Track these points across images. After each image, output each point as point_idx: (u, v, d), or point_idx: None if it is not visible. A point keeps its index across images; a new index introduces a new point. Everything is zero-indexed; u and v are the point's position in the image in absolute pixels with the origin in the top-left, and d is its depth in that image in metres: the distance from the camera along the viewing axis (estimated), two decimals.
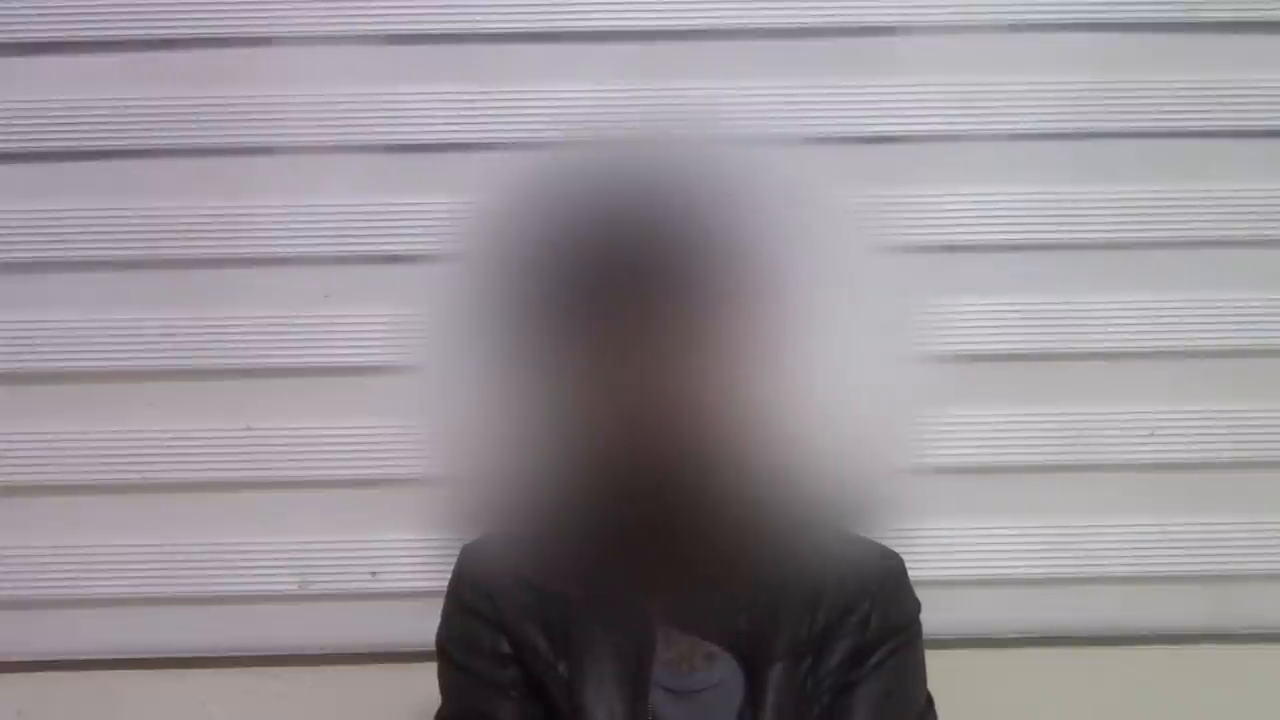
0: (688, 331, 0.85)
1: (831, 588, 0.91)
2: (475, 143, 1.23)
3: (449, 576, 0.95)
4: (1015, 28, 1.24)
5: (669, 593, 0.91)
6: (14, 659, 1.27)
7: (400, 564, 1.24)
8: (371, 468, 1.24)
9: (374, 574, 1.25)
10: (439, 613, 0.95)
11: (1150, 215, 1.25)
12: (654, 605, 0.90)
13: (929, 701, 0.94)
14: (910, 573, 0.96)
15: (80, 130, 1.23)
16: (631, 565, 0.90)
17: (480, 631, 0.92)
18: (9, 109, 1.23)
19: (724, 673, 0.90)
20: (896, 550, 0.96)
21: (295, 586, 1.25)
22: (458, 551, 0.96)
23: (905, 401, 1.22)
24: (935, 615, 0.97)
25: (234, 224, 1.23)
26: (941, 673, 0.96)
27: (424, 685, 0.98)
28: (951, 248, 1.24)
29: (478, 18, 1.22)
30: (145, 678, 1.27)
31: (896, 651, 0.92)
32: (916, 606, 0.95)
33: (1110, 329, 1.25)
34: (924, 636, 0.95)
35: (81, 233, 1.24)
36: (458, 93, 1.23)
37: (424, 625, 0.96)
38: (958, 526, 1.25)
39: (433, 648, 0.95)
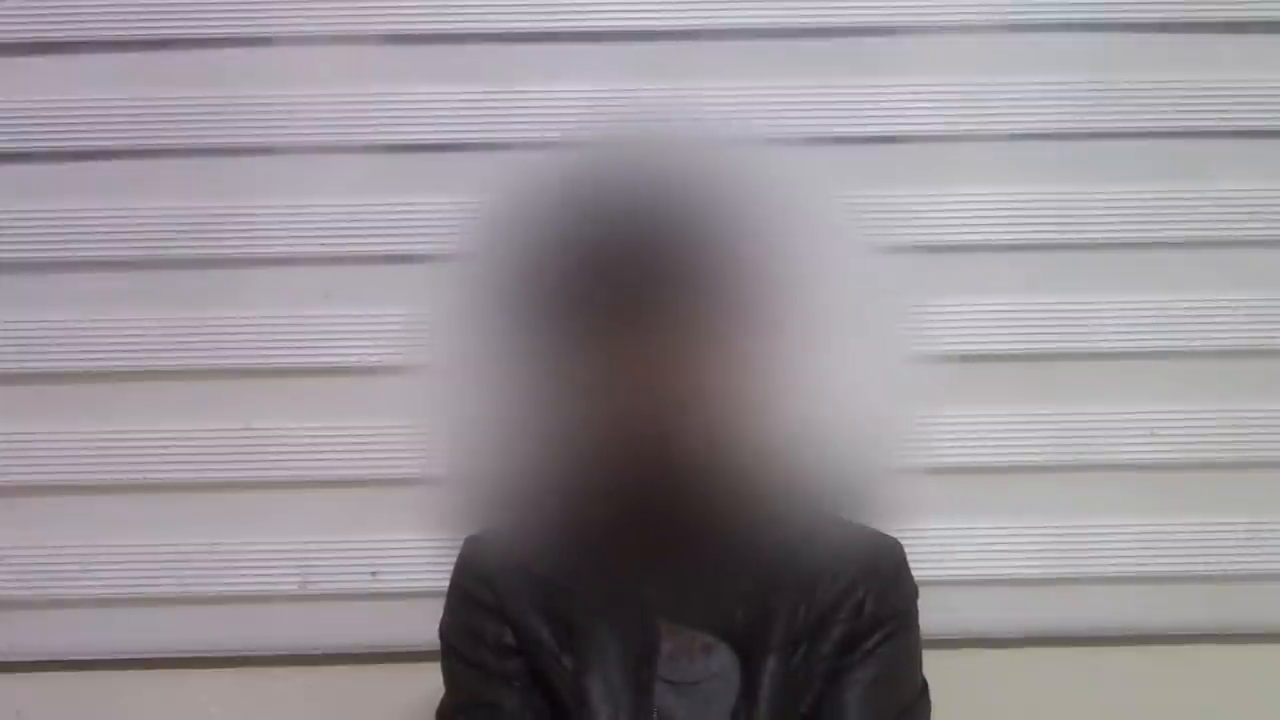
0: (688, 330, 0.85)
1: (827, 576, 0.92)
2: (476, 143, 1.23)
3: (451, 569, 0.96)
4: (1015, 28, 1.24)
5: (667, 585, 0.91)
6: (14, 659, 1.27)
7: (400, 564, 1.24)
8: (371, 468, 1.24)
9: (374, 574, 1.25)
10: (439, 612, 0.95)
11: (1150, 215, 1.25)
12: (653, 598, 0.91)
13: (923, 689, 0.94)
14: (911, 571, 0.96)
15: (80, 130, 1.23)
16: (632, 559, 0.90)
17: (484, 622, 0.92)
18: (9, 109, 1.23)
19: (721, 664, 0.90)
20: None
21: (295, 586, 1.25)
22: (460, 545, 0.96)
23: (905, 401, 1.21)
24: (935, 615, 0.97)
25: (234, 224, 1.24)
26: (941, 673, 0.96)
27: (424, 685, 0.98)
28: (951, 248, 1.24)
29: (478, 17, 1.23)
30: (145, 678, 1.27)
31: (889, 638, 0.92)
32: (913, 593, 0.95)
33: (1110, 329, 1.25)
34: (924, 637, 0.95)
35: (81, 233, 1.24)
36: (458, 93, 1.23)
37: (424, 625, 0.97)
38: (958, 526, 1.25)
39: (433, 647, 0.95)
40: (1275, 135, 1.25)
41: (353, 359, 1.24)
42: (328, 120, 1.23)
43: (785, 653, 0.89)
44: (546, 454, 0.89)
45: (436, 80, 1.23)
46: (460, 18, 1.22)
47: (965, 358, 1.25)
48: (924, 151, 1.24)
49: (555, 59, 1.23)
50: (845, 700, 0.90)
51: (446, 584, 0.96)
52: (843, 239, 1.11)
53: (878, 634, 0.91)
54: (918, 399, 1.22)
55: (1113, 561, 1.26)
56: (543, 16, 1.22)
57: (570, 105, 1.22)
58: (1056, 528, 1.26)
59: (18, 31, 1.22)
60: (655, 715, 0.88)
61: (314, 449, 1.25)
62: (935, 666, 0.95)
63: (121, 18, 1.22)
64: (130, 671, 1.26)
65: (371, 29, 1.23)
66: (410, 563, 1.23)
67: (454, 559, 0.96)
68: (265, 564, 1.25)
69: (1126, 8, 1.24)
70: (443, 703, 0.95)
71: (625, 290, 0.85)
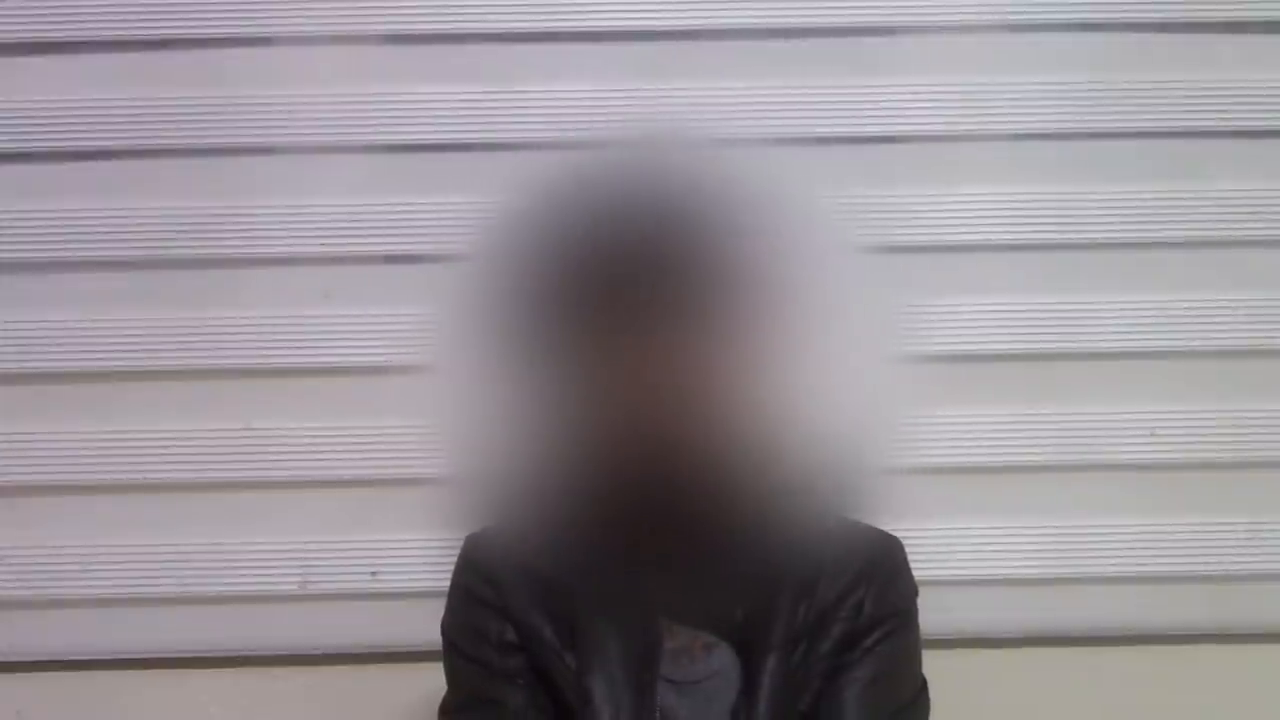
0: (688, 329, 0.85)
1: (828, 574, 0.92)
2: (475, 143, 1.23)
3: (452, 568, 0.96)
4: (1015, 28, 1.24)
5: (669, 584, 0.91)
6: (14, 659, 1.27)
7: (401, 564, 1.24)
8: (372, 468, 1.24)
9: (374, 574, 1.25)
10: (440, 613, 0.96)
11: (1150, 215, 1.25)
12: (655, 597, 0.91)
13: (922, 687, 0.94)
14: (911, 570, 0.96)
15: (80, 130, 1.23)
16: (633, 558, 0.91)
17: (486, 619, 0.92)
18: (9, 109, 1.23)
19: (722, 662, 0.90)
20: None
21: (295, 586, 1.25)
22: (461, 544, 0.96)
23: (905, 401, 1.22)
24: (935, 615, 0.97)
25: (234, 224, 1.23)
26: (941, 673, 0.96)
27: (425, 685, 0.98)
28: (951, 248, 1.24)
29: (478, 17, 1.22)
30: (145, 678, 1.27)
31: (889, 636, 0.92)
32: (913, 591, 0.95)
33: (1110, 329, 1.25)
34: (924, 637, 0.95)
35: (81, 233, 1.24)
36: (458, 93, 1.23)
37: (425, 625, 0.96)
38: (957, 526, 1.25)
39: (434, 648, 0.95)
40: (1275, 135, 1.25)
41: (353, 359, 1.24)
42: (328, 120, 1.23)
43: (785, 651, 0.89)
44: (546, 454, 0.89)
45: (436, 80, 1.23)
46: (460, 18, 1.22)
47: (965, 357, 1.25)
48: (924, 151, 1.24)
49: (555, 59, 1.23)
50: (844, 698, 0.90)
51: (447, 584, 0.96)
52: (843, 239, 1.11)
53: (877, 632, 0.91)
54: (917, 399, 1.23)
55: (1113, 561, 1.26)
56: (542, 16, 1.22)
57: (570, 105, 1.22)
58: (1056, 527, 1.26)
59: (18, 31, 1.22)
60: (658, 714, 0.88)
61: (314, 449, 1.25)
62: (935, 667, 0.95)
63: (121, 18, 1.22)
64: (130, 671, 1.26)
65: (371, 29, 1.23)
66: (410, 563, 1.23)
67: (455, 559, 0.96)
68: (265, 564, 1.25)
69: (1126, 8, 1.24)
70: (445, 700, 0.95)
71: (626, 289, 0.85)
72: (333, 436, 1.24)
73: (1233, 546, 1.26)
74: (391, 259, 1.24)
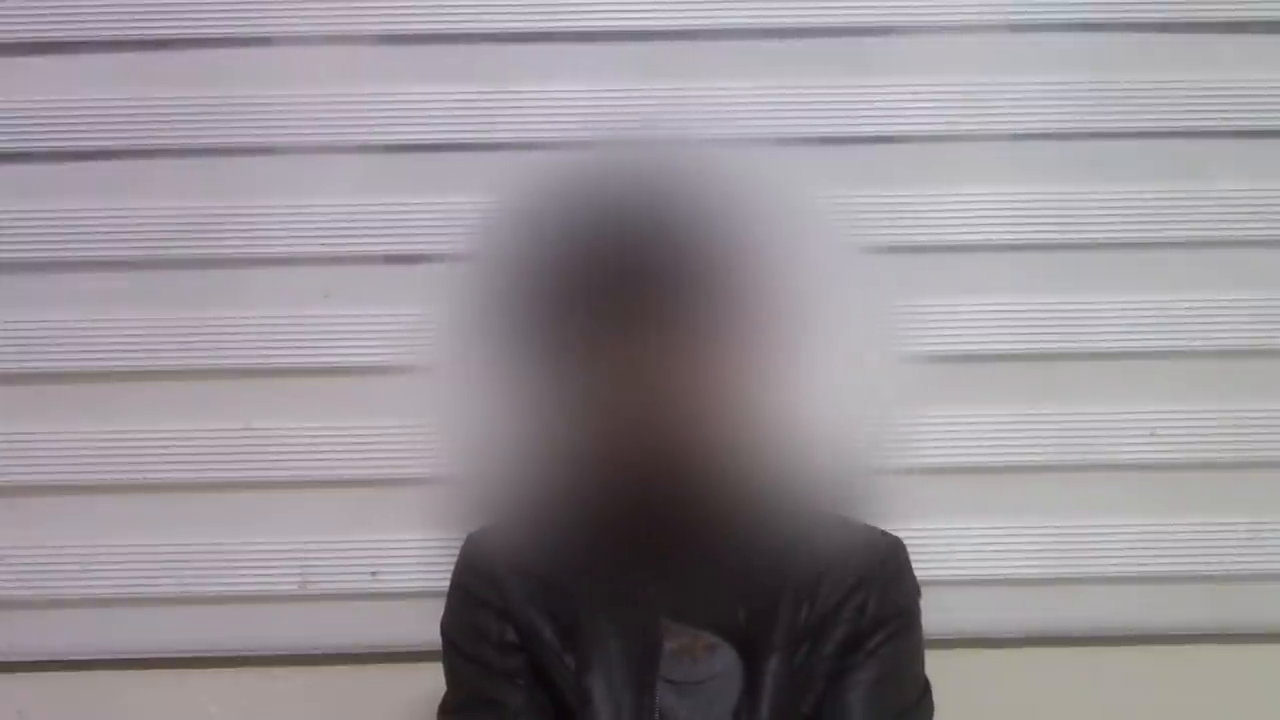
0: (688, 329, 0.85)
1: (830, 575, 0.92)
2: (475, 143, 1.23)
3: (452, 567, 0.96)
4: (1015, 28, 1.24)
5: (670, 585, 0.91)
6: (14, 659, 1.27)
7: (401, 564, 1.24)
8: (371, 468, 1.24)
9: (374, 574, 1.25)
10: (439, 612, 0.96)
11: (1151, 215, 1.25)
12: (656, 597, 0.91)
13: (925, 688, 0.94)
14: (913, 570, 0.96)
15: (80, 130, 1.23)
16: (634, 558, 0.91)
17: (486, 619, 0.92)
18: (9, 109, 1.23)
19: (725, 663, 0.90)
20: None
21: (295, 586, 1.25)
22: (461, 544, 0.96)
23: (905, 401, 1.21)
24: (935, 615, 0.97)
25: (234, 224, 1.23)
26: (941, 673, 0.96)
27: (424, 685, 0.98)
28: (952, 248, 1.24)
29: (472, 17, 1.22)
30: (145, 678, 1.27)
31: (892, 637, 0.92)
32: (915, 592, 0.95)
33: (1111, 329, 1.25)
34: (926, 637, 0.95)
35: (81, 233, 1.24)
36: (457, 93, 1.23)
37: (425, 625, 0.96)
38: (957, 526, 1.25)
39: (433, 647, 0.95)
40: (1276, 135, 1.25)
41: (352, 359, 1.24)
42: (328, 120, 1.23)
43: (788, 652, 0.89)
44: (546, 454, 0.89)
45: (432, 80, 1.23)
46: (455, 18, 1.22)
47: (966, 357, 1.25)
48: (925, 151, 1.24)
49: (550, 59, 1.23)
50: (848, 700, 0.90)
51: (446, 584, 0.96)
52: (843, 239, 1.11)
53: (880, 634, 0.91)
54: (918, 399, 1.22)
55: (1114, 561, 1.26)
56: (537, 16, 1.22)
57: (565, 106, 1.21)
58: (1057, 527, 1.26)
59: (18, 31, 1.22)
60: (658, 715, 0.88)
61: (314, 449, 1.25)
62: (935, 667, 0.95)
63: (121, 18, 1.22)
64: (130, 671, 1.27)
65: (366, 29, 1.23)
66: (410, 563, 1.23)
67: (454, 559, 0.96)
68: (265, 564, 1.25)
69: (1127, 8, 1.23)
70: (444, 700, 0.95)
71: (624, 290, 0.85)
72: (333, 436, 1.24)
73: (1234, 546, 1.26)
74: (391, 259, 1.24)
